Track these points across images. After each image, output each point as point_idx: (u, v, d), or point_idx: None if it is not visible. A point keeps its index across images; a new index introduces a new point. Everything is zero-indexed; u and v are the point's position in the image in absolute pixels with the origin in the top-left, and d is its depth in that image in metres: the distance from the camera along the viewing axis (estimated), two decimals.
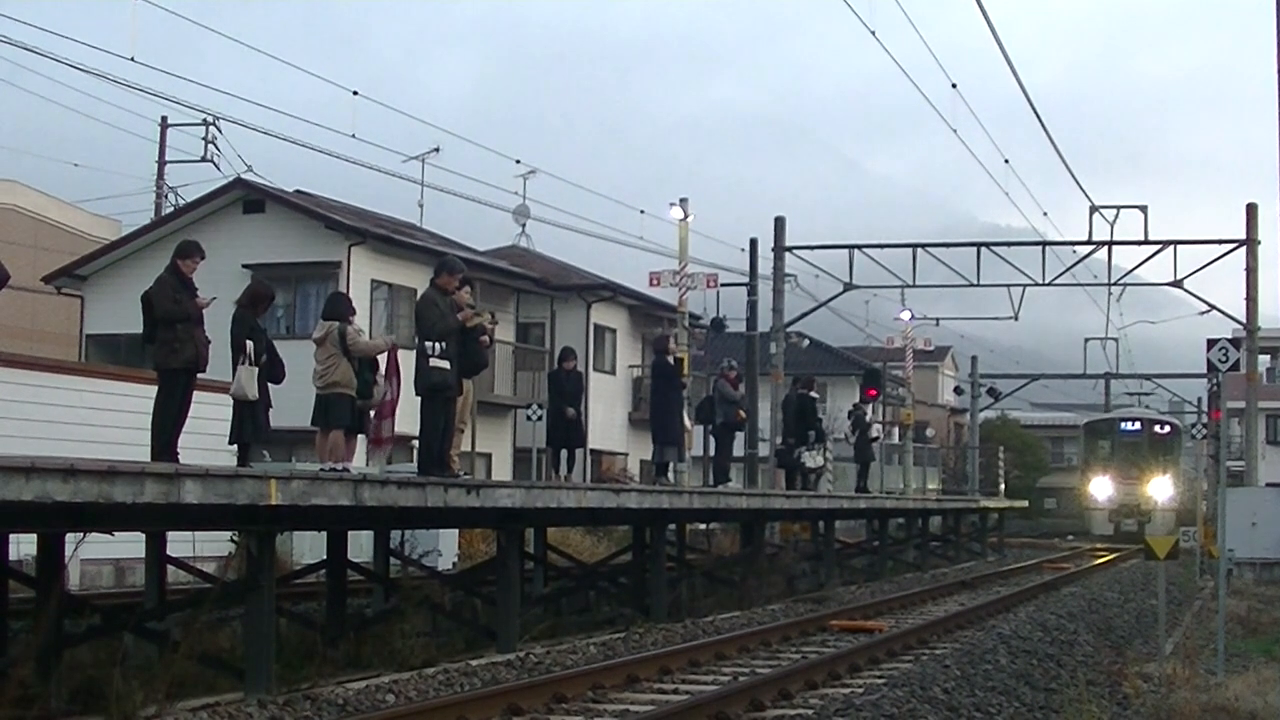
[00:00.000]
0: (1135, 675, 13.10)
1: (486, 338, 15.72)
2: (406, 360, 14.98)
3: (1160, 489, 51.21)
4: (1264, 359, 56.78)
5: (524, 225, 44.89)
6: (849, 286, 36.05)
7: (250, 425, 13.65)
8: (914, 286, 36.73)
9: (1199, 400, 56.53)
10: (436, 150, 41.80)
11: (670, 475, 22.83)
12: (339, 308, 14.93)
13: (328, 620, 14.85)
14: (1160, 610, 15.39)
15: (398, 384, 15.00)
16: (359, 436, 15.59)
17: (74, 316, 36.24)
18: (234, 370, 13.59)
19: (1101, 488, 52.71)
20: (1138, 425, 55.01)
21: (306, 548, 20.24)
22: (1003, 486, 54.55)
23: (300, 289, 33.10)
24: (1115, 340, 56.33)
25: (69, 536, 11.66)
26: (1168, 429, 55.22)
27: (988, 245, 35.22)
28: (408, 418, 15.73)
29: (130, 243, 35.77)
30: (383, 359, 15.18)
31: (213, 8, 36.53)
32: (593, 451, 37.90)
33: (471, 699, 11.28)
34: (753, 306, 36.43)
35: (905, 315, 49.12)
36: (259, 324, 14.04)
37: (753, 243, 36.43)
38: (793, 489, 26.44)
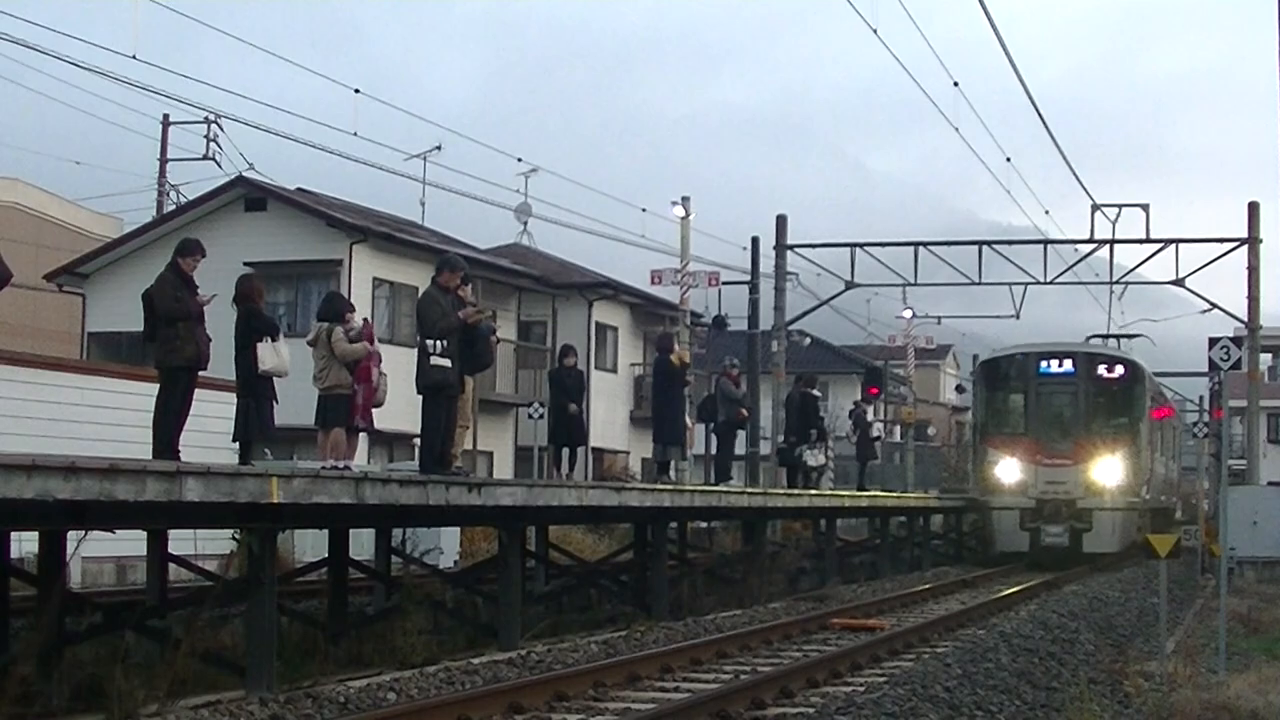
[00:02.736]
0: (1137, 674, 13.09)
1: (495, 337, 15.75)
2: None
3: (1109, 473, 31.68)
4: (1265, 357, 56.76)
5: (525, 223, 44.97)
6: (850, 285, 36.07)
7: (254, 423, 13.66)
8: (916, 285, 36.80)
9: (1200, 399, 56.52)
10: (438, 148, 41.83)
11: (672, 474, 22.83)
12: (331, 308, 14.96)
13: (329, 618, 14.86)
14: (1162, 609, 15.39)
15: (368, 388, 14.93)
16: (360, 435, 15.59)
17: (75, 314, 36.28)
18: (240, 365, 13.57)
19: (1009, 471, 32.11)
20: (1069, 365, 32.94)
21: (308, 546, 20.24)
22: None
23: (302, 287, 33.12)
24: (1116, 339, 56.15)
25: (70, 534, 11.68)
26: (1121, 371, 33.19)
27: (989, 244, 35.25)
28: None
29: (132, 241, 35.81)
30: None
31: (214, 6, 36.57)
32: (594, 450, 37.90)
33: (473, 697, 11.28)
34: (754, 305, 36.47)
35: (907, 314, 49.13)
36: (267, 315, 14.13)
37: (754, 241, 36.49)
38: (794, 487, 26.44)
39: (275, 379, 13.87)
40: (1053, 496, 31.51)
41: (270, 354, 13.50)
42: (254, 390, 13.60)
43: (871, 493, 30.06)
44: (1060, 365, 33.12)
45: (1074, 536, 31.20)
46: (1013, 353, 34.67)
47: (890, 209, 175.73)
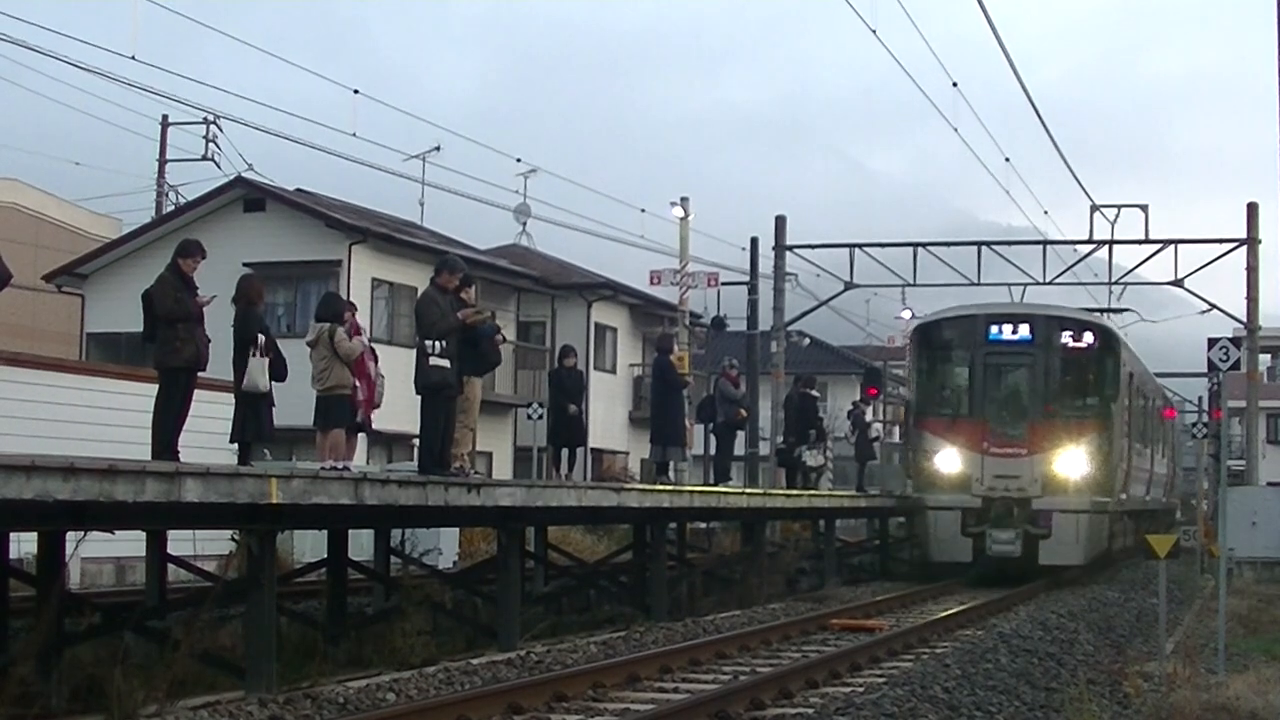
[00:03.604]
0: (1136, 674, 13.09)
1: (501, 336, 15.86)
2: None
3: (1073, 465, 26.07)
4: (1264, 358, 56.86)
5: (525, 224, 45.02)
6: (850, 285, 36.06)
7: (252, 424, 13.66)
8: (915, 285, 36.72)
9: (1199, 399, 56.55)
10: (437, 149, 41.91)
11: (671, 474, 22.84)
12: (331, 309, 14.98)
13: (328, 619, 14.86)
14: (1161, 609, 15.38)
15: (368, 384, 15.00)
16: (359, 435, 15.61)
17: (75, 315, 36.30)
18: (239, 366, 13.58)
19: (949, 461, 26.52)
20: (1024, 330, 27.01)
21: (307, 546, 20.26)
22: None
23: (301, 288, 33.17)
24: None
25: (70, 535, 11.67)
26: (1090, 339, 27.21)
27: (988, 244, 35.23)
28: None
29: (131, 241, 35.85)
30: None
31: (214, 6, 36.53)
32: (593, 450, 37.94)
33: (472, 697, 11.28)
34: (753, 305, 36.50)
35: (906, 314, 49.08)
36: (264, 320, 14.12)
37: (753, 241, 36.52)
38: (793, 488, 26.44)
39: (274, 380, 13.87)
40: (1003, 494, 25.83)
41: (256, 367, 13.47)
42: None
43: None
44: (1014, 331, 26.95)
45: (1028, 544, 25.62)
46: (956, 314, 28.41)
47: (890, 209, 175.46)
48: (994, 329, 27.02)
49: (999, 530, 25.68)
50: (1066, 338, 27.04)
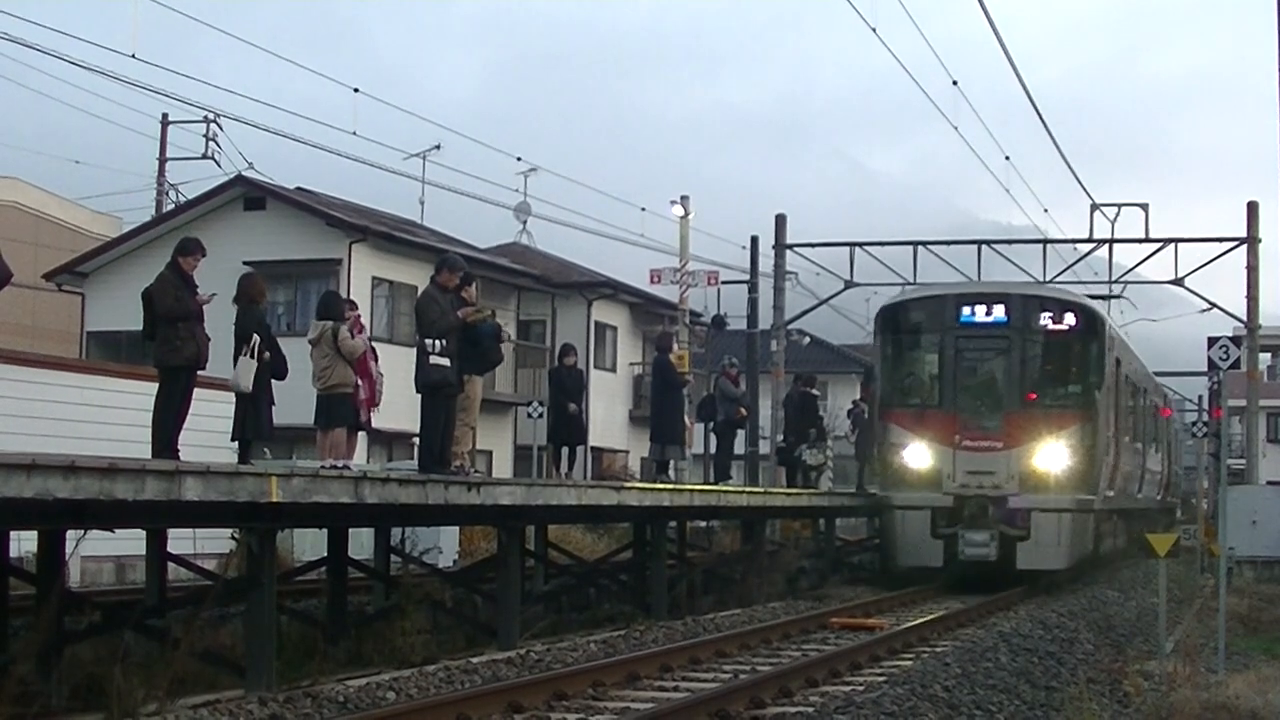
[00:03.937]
0: (1136, 673, 13.10)
1: (504, 333, 15.93)
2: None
3: (1054, 460, 23.71)
4: (1265, 357, 56.89)
5: (525, 222, 45.07)
6: (850, 284, 36.07)
7: (253, 422, 13.66)
8: (915, 284, 36.69)
9: (1200, 398, 56.54)
10: (437, 147, 41.99)
11: (671, 473, 22.83)
12: (333, 308, 14.98)
13: (328, 617, 14.86)
14: (1161, 608, 15.39)
15: (370, 383, 15.04)
16: (360, 434, 15.62)
17: (75, 313, 36.33)
18: (235, 364, 13.60)
19: (917, 456, 24.25)
20: (999, 311, 24.49)
21: (307, 545, 20.25)
22: None
23: (301, 286, 33.19)
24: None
25: (70, 533, 11.67)
26: (1072, 321, 24.56)
27: (988, 243, 35.25)
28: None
29: (131, 240, 35.89)
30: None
31: (214, 6, 36.57)
32: (594, 449, 37.95)
33: (472, 696, 11.28)
34: (753, 304, 36.54)
35: None
36: (264, 319, 14.11)
37: (754, 240, 36.56)
38: (793, 486, 26.44)
39: (274, 379, 13.88)
40: (976, 492, 23.56)
41: (244, 367, 13.48)
42: (253, 390, 13.60)
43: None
44: (988, 312, 24.38)
45: (1005, 547, 23.31)
46: (923, 294, 26.30)
47: (890, 208, 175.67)
48: (966, 310, 24.54)
49: (972, 532, 23.43)
50: (1046, 319, 24.47)
